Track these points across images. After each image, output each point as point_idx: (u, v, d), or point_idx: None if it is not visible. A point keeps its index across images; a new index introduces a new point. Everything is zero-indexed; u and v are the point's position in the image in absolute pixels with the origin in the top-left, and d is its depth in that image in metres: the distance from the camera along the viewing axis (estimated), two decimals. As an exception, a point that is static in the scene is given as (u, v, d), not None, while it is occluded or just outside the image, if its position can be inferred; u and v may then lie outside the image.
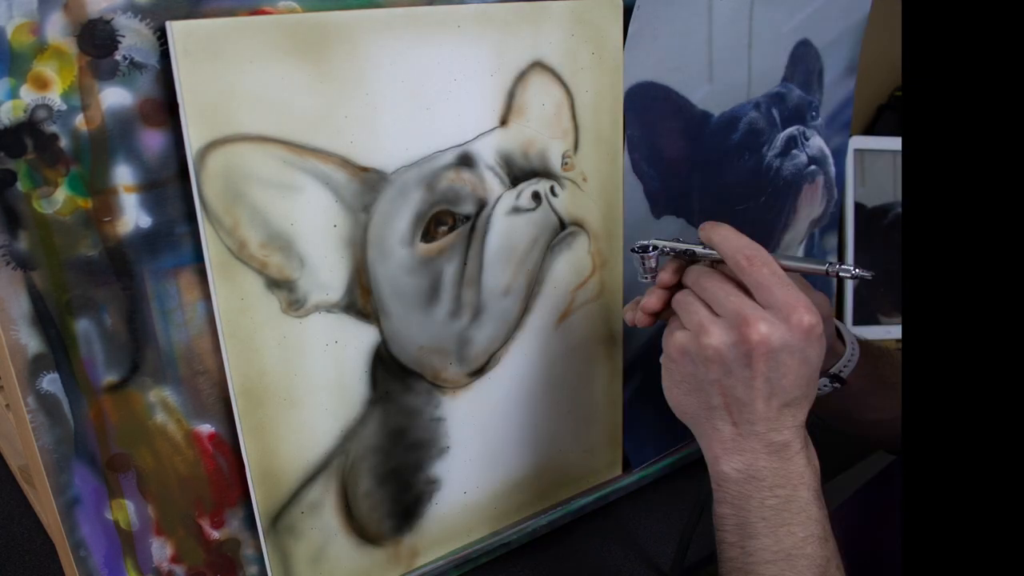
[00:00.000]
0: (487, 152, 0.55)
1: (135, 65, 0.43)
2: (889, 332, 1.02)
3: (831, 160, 0.81)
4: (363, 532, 0.58)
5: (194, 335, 0.49)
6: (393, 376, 0.56)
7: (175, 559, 0.52)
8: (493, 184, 0.56)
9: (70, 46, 0.41)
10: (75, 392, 0.46)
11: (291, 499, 0.54)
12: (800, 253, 0.83)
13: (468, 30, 0.52)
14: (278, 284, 0.50)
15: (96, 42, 0.42)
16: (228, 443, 0.52)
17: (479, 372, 0.60)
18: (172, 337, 0.48)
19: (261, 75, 0.46)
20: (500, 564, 0.67)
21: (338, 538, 0.57)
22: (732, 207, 0.73)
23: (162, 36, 0.43)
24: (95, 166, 0.43)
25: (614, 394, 0.69)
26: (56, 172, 0.42)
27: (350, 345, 0.54)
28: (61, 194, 0.43)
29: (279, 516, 0.54)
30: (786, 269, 0.48)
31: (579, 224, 0.62)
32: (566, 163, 0.59)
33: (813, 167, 0.78)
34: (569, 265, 0.62)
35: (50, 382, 0.45)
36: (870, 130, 1.14)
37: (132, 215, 0.45)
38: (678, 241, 0.52)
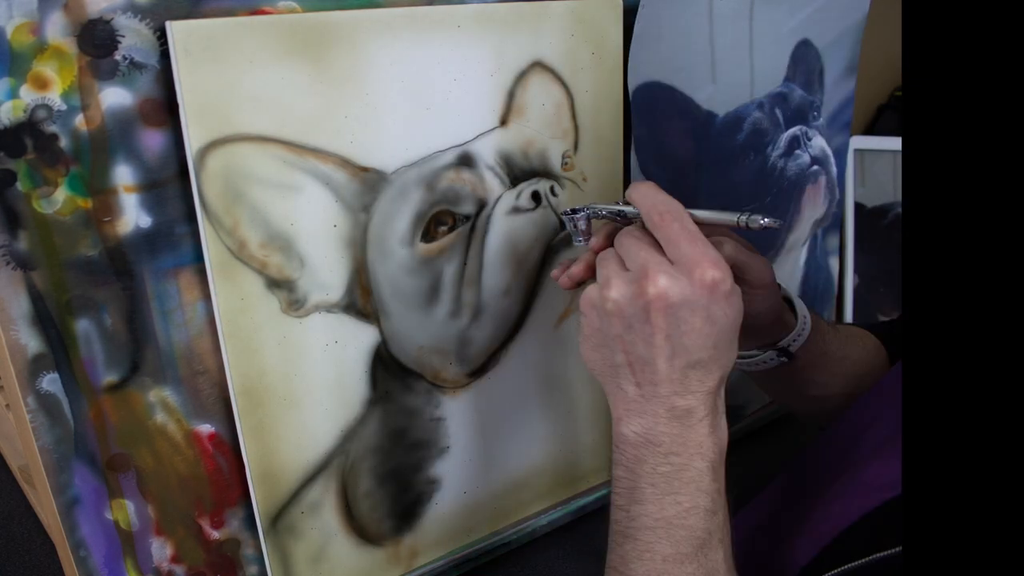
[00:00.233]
0: (487, 152, 0.55)
1: (135, 65, 0.43)
2: (889, 332, 1.02)
3: (833, 160, 0.81)
4: (363, 532, 0.58)
5: (194, 335, 0.49)
6: (393, 376, 0.56)
7: (175, 559, 0.52)
8: (493, 184, 0.56)
9: (70, 46, 0.41)
10: (75, 392, 0.46)
11: (291, 499, 0.54)
12: (804, 254, 0.83)
13: (468, 30, 0.52)
14: (278, 284, 0.50)
15: (96, 42, 0.42)
16: (228, 443, 0.52)
17: (479, 372, 0.60)
18: (172, 337, 0.48)
19: (261, 75, 0.46)
20: (500, 564, 0.67)
21: (338, 538, 0.57)
22: (738, 208, 0.73)
23: (162, 36, 0.43)
24: (95, 166, 0.43)
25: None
26: (56, 172, 0.43)
27: (350, 345, 0.54)
28: (61, 194, 0.43)
29: (279, 516, 0.54)
30: (700, 223, 0.46)
31: (579, 224, 0.62)
32: (566, 163, 0.59)
33: (816, 167, 0.78)
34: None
35: (50, 382, 0.45)
36: (870, 130, 1.14)
37: (132, 215, 0.45)
38: (615, 204, 0.51)
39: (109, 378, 0.47)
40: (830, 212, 0.83)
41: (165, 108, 0.44)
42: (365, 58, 0.49)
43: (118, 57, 0.42)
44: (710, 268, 0.43)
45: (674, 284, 0.43)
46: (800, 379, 0.62)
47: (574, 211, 0.53)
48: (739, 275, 0.51)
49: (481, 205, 0.56)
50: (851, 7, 0.76)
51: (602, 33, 0.58)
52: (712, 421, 0.45)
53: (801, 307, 0.59)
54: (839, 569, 0.45)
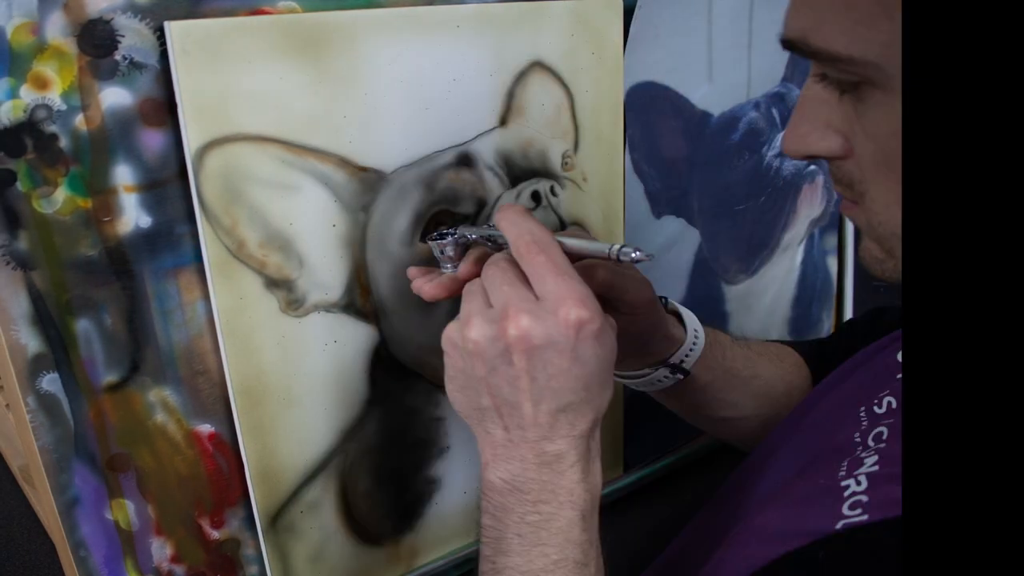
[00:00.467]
0: (487, 152, 0.55)
1: (135, 65, 0.43)
2: (889, 332, 1.02)
3: (831, 160, 0.81)
4: (363, 532, 0.58)
5: (194, 335, 0.49)
6: (393, 376, 0.56)
7: (175, 559, 0.52)
8: (493, 184, 0.56)
9: (70, 46, 0.41)
10: (75, 392, 0.46)
11: (290, 499, 0.54)
12: (800, 253, 0.83)
13: (468, 30, 0.52)
14: (277, 284, 0.50)
15: (96, 42, 0.42)
16: (228, 443, 0.52)
17: (479, 372, 0.60)
18: (172, 337, 0.48)
19: (260, 75, 0.46)
20: (500, 564, 0.67)
21: (338, 538, 0.57)
22: (732, 207, 0.73)
23: (162, 36, 0.43)
24: (95, 166, 0.43)
25: (614, 394, 0.69)
26: (56, 172, 0.43)
27: (349, 345, 0.54)
28: (61, 194, 0.43)
29: (279, 516, 0.54)
30: (571, 253, 0.44)
31: (579, 224, 0.62)
32: (566, 163, 0.59)
33: (813, 167, 0.78)
34: (569, 265, 0.62)
35: (50, 382, 0.45)
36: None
37: (132, 215, 0.45)
38: (486, 227, 0.49)
39: (109, 378, 0.47)
40: (827, 212, 0.84)
41: (165, 108, 0.44)
42: (365, 58, 0.49)
43: (118, 57, 0.42)
44: (576, 307, 0.40)
45: (537, 324, 0.40)
46: (704, 398, 0.59)
47: (441, 235, 0.50)
48: (617, 296, 0.49)
49: (481, 205, 0.56)
50: (850, 7, 0.76)
51: (602, 33, 0.58)
52: (584, 467, 0.43)
53: (691, 320, 0.56)
54: None
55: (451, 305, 0.57)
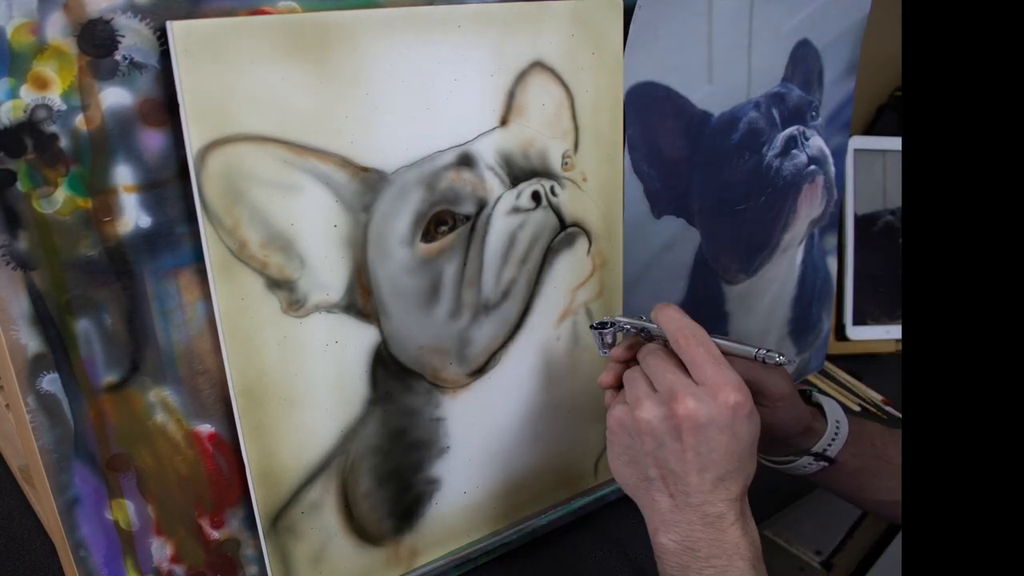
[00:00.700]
0: (487, 152, 0.55)
1: (135, 65, 0.43)
2: (889, 332, 1.02)
3: (831, 160, 0.81)
4: (363, 532, 0.58)
5: (194, 335, 0.49)
6: (393, 376, 0.56)
7: (175, 559, 0.52)
8: (493, 184, 0.56)
9: (70, 46, 0.41)
10: (75, 392, 0.46)
11: (291, 499, 0.54)
12: (800, 254, 0.83)
13: (468, 30, 0.52)
14: (278, 284, 0.50)
15: (96, 42, 0.42)
16: (228, 443, 0.52)
17: (479, 372, 0.60)
18: (172, 337, 0.48)
19: (261, 75, 0.46)
20: (500, 564, 0.67)
21: (338, 538, 0.57)
22: (732, 207, 0.73)
23: (162, 36, 0.43)
24: (95, 166, 0.43)
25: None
26: (56, 172, 0.42)
27: (350, 345, 0.54)
28: (61, 194, 0.43)
29: (279, 516, 0.54)
30: (723, 351, 0.50)
31: (579, 224, 0.62)
32: (566, 163, 0.59)
33: (813, 167, 0.78)
34: (569, 265, 0.62)
35: (50, 382, 0.45)
36: (870, 130, 1.14)
37: (132, 215, 0.45)
38: (639, 319, 0.56)
39: (109, 378, 0.47)
40: (827, 212, 0.84)
41: (165, 108, 0.44)
42: (365, 58, 0.49)
43: (118, 57, 0.42)
44: (733, 392, 0.48)
45: (701, 406, 0.47)
46: (857, 483, 0.63)
47: (602, 325, 0.58)
48: (756, 390, 0.54)
49: (481, 205, 0.56)
50: (851, 7, 0.76)
51: (602, 33, 0.58)
52: (743, 523, 0.49)
53: (833, 411, 0.62)
54: None
55: (451, 305, 0.57)
